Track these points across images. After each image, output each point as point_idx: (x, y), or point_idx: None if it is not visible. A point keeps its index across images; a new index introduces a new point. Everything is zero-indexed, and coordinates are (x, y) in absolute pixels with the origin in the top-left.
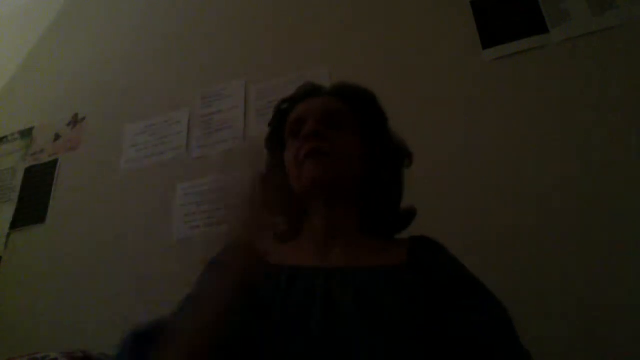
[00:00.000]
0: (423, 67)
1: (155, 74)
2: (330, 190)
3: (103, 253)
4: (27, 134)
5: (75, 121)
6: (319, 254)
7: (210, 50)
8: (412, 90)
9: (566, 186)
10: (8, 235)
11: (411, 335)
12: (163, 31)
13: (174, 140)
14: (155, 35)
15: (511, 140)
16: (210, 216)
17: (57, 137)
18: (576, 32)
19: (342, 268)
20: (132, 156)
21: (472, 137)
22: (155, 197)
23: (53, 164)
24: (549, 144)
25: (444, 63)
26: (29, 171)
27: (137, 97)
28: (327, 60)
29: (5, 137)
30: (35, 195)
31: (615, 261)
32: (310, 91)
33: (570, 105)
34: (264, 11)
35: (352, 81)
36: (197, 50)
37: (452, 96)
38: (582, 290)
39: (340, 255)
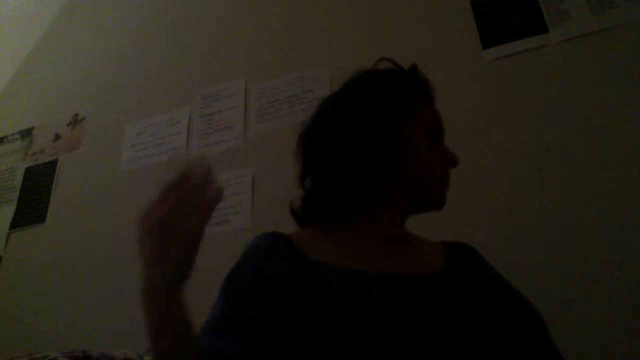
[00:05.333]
0: (423, 67)
1: (155, 74)
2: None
3: (103, 253)
4: (27, 134)
5: (75, 121)
6: (380, 258)
7: (210, 50)
8: None
9: (566, 186)
10: (8, 235)
11: (464, 344)
12: (163, 31)
13: (174, 140)
14: (155, 35)
15: (511, 140)
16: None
17: (57, 137)
18: (576, 32)
19: (399, 275)
20: (132, 156)
21: (472, 137)
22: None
23: (53, 164)
24: (549, 144)
25: (444, 63)
26: (29, 171)
27: (137, 97)
28: (326, 60)
29: (5, 137)
30: (35, 195)
31: (615, 261)
32: (433, 91)
33: (570, 105)
34: (264, 11)
35: None
36: (197, 50)
37: (452, 96)
38: (581, 290)
39: (394, 258)
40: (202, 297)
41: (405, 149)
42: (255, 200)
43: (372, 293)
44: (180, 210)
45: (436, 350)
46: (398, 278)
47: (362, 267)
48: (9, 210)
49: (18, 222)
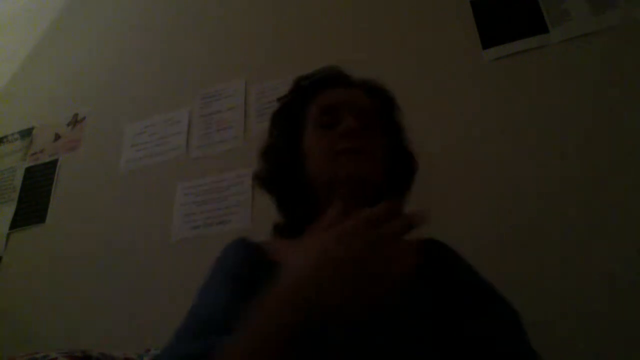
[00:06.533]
0: (423, 67)
1: (155, 74)
2: (358, 188)
3: (103, 253)
4: (27, 134)
5: (75, 121)
6: None
7: (210, 50)
8: (412, 90)
9: (566, 186)
10: (8, 235)
11: (423, 340)
12: (163, 31)
13: (174, 140)
14: (155, 35)
15: (511, 140)
16: (210, 216)
17: (57, 137)
18: (576, 32)
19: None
20: (132, 156)
21: (472, 137)
22: (155, 197)
23: (53, 164)
24: (548, 144)
25: (444, 63)
26: (29, 171)
27: (137, 97)
28: (326, 60)
29: (5, 137)
30: (35, 195)
31: (615, 261)
32: (339, 78)
33: (570, 105)
34: (264, 11)
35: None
36: (197, 50)
37: (452, 96)
38: (581, 290)
39: None
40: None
41: (306, 154)
42: (255, 201)
43: None
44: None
45: (388, 345)
46: None
47: None
48: (9, 210)
49: (18, 222)
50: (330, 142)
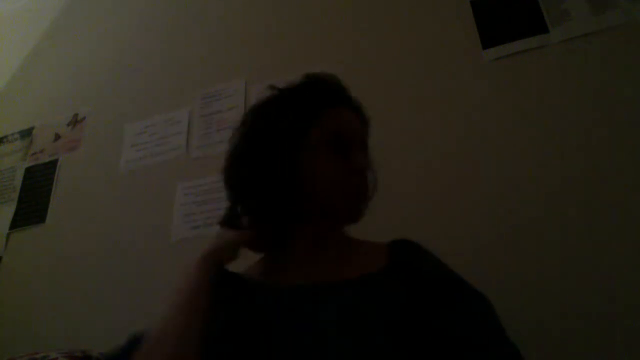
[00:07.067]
0: (423, 67)
1: (155, 74)
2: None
3: (103, 253)
4: (27, 134)
5: (75, 121)
6: (305, 270)
7: (210, 50)
8: (412, 90)
9: (566, 186)
10: (8, 235)
11: (391, 342)
12: (163, 31)
13: (174, 140)
14: (155, 35)
15: (511, 140)
16: (210, 216)
17: (57, 137)
18: (576, 32)
19: (328, 283)
20: (132, 156)
21: (472, 137)
22: (155, 197)
23: (53, 164)
24: (548, 144)
25: (444, 63)
26: (29, 171)
27: (137, 97)
28: (326, 60)
29: (5, 137)
30: (35, 195)
31: (615, 261)
32: (344, 97)
33: (570, 105)
34: (264, 11)
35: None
36: (197, 50)
37: (452, 96)
38: (581, 290)
39: (326, 268)
40: None
41: (304, 166)
42: None
43: (282, 303)
44: None
45: (350, 351)
46: (318, 287)
47: (280, 280)
48: (9, 210)
49: (18, 222)
50: (344, 171)
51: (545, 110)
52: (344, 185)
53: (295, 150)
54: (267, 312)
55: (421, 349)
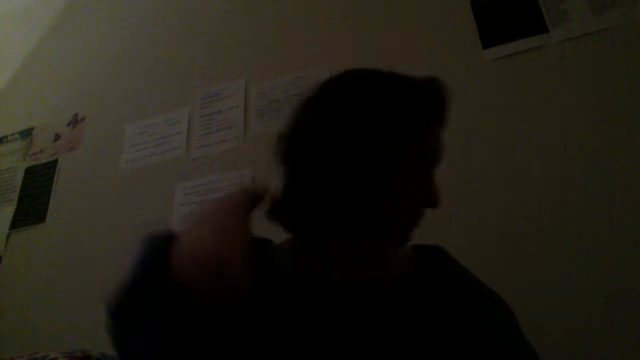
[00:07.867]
0: (423, 67)
1: (155, 74)
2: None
3: (103, 253)
4: (27, 134)
5: (75, 121)
6: (342, 267)
7: (210, 50)
8: None
9: (566, 186)
10: (8, 235)
11: (416, 347)
12: (163, 31)
13: (174, 140)
14: (155, 35)
15: (511, 140)
16: None
17: (57, 137)
18: (576, 32)
19: (355, 282)
20: (132, 156)
21: (472, 137)
22: (155, 197)
23: (53, 164)
24: (548, 144)
25: (444, 63)
26: (29, 171)
27: (137, 97)
28: (327, 60)
29: (5, 137)
30: (35, 195)
31: (615, 261)
32: (446, 120)
33: (570, 105)
34: (264, 11)
35: None
36: (197, 50)
37: (452, 96)
38: (581, 290)
39: (359, 268)
40: None
41: (394, 176)
42: None
43: (314, 296)
44: None
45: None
46: (351, 286)
47: (314, 272)
48: (9, 210)
49: (18, 222)
50: (424, 199)
51: (545, 110)
52: (418, 214)
53: (398, 155)
54: (297, 302)
55: (444, 355)
